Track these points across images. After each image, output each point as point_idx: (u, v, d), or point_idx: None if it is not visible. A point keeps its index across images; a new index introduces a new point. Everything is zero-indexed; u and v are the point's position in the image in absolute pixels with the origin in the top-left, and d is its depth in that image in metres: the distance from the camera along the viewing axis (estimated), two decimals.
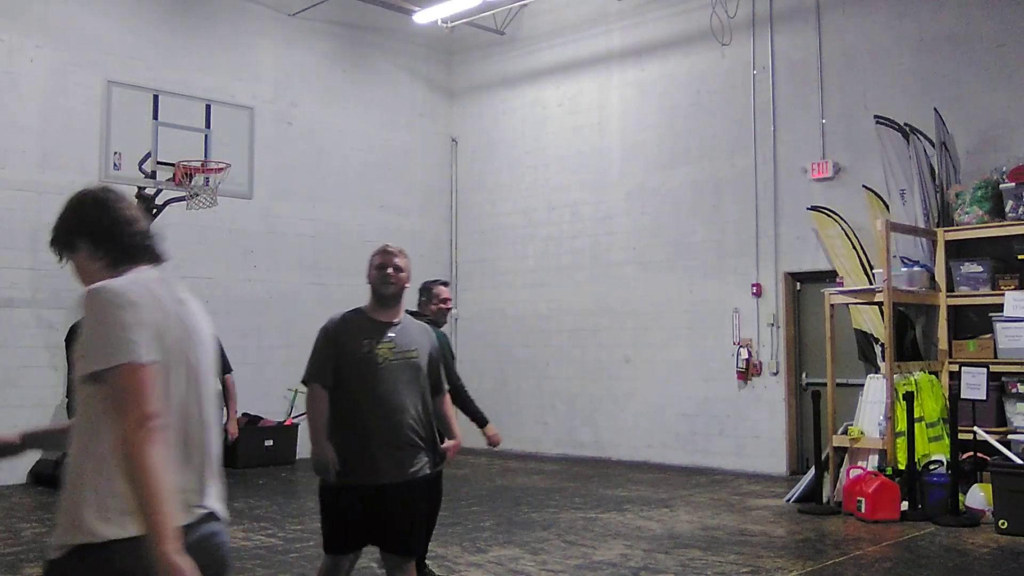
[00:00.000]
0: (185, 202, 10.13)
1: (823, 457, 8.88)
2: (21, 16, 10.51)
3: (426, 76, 14.37)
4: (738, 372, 11.15)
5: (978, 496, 7.92)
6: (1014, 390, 8.61)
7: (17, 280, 10.14)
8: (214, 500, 2.50)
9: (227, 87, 11.86)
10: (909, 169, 9.38)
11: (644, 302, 12.17)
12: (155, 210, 9.92)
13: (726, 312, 11.34)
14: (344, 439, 4.25)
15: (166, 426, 2.26)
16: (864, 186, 10.06)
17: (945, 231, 9.19)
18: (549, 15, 13.38)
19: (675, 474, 10.90)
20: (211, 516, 2.46)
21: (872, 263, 9.42)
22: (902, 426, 8.35)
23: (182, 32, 11.78)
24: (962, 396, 8.18)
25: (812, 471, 9.00)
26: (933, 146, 9.42)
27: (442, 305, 6.19)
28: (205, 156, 10.52)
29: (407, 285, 4.42)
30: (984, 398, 8.12)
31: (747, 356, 11.08)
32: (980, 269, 9.01)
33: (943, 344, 9.16)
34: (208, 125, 10.71)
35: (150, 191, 9.95)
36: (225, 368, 6.82)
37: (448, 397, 4.68)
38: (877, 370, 9.14)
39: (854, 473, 8.44)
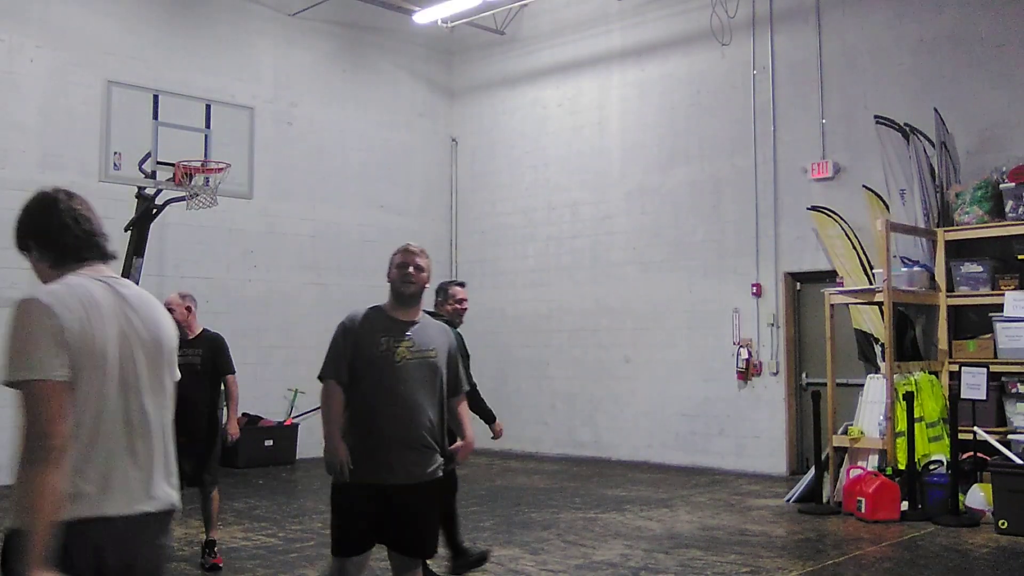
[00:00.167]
0: (185, 202, 10.12)
1: (823, 457, 8.88)
2: (21, 16, 10.51)
3: (426, 76, 14.37)
4: (738, 372, 11.15)
5: (978, 496, 7.92)
6: (1014, 390, 8.61)
7: (17, 280, 10.04)
8: (162, 497, 2.58)
9: (227, 87, 11.86)
10: (909, 169, 9.38)
11: (644, 302, 12.18)
12: (155, 210, 9.93)
13: (726, 312, 11.35)
14: (358, 438, 4.18)
15: (63, 447, 2.32)
16: (864, 186, 10.06)
17: (945, 231, 9.19)
18: (549, 15, 13.39)
19: (675, 474, 10.90)
20: (152, 515, 2.54)
21: (872, 263, 9.42)
22: (902, 426, 8.35)
23: (182, 32, 11.78)
24: (962, 396, 8.18)
25: (812, 471, 9.01)
26: (933, 146, 9.42)
27: (458, 305, 6.24)
28: (205, 156, 10.53)
29: (427, 285, 4.38)
30: (984, 398, 8.12)
31: (747, 356, 11.09)
32: (980, 269, 9.00)
33: (943, 344, 9.16)
34: (208, 125, 10.72)
35: (150, 191, 9.95)
36: (226, 368, 6.78)
37: (465, 398, 4.59)
38: (877, 370, 9.14)
39: (854, 473, 8.44)
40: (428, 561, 6.08)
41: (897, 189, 9.53)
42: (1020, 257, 8.89)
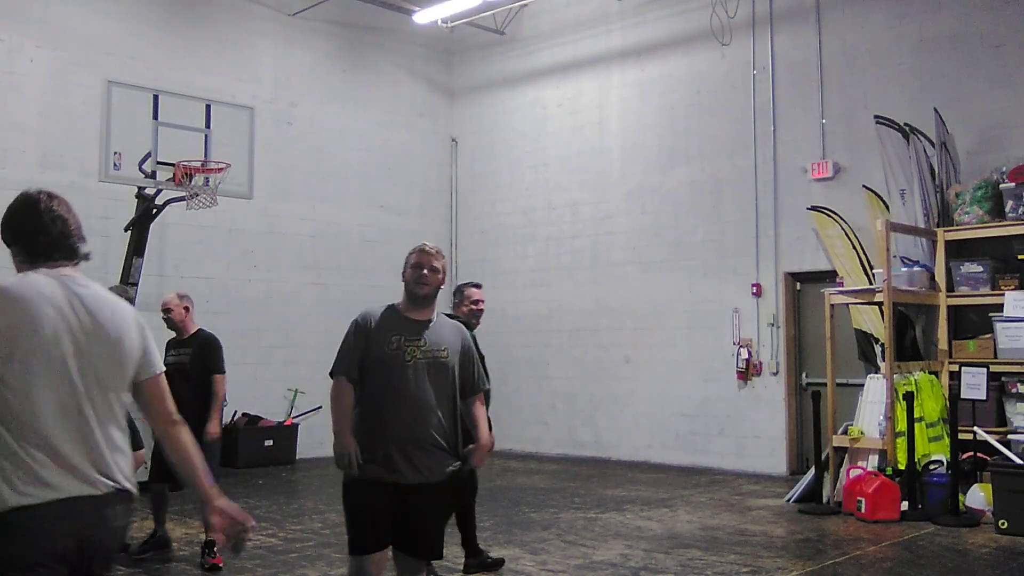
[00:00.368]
0: (185, 202, 10.12)
1: (823, 457, 8.88)
2: (21, 16, 10.50)
3: (426, 76, 14.37)
4: (738, 372, 11.15)
5: (978, 496, 7.92)
6: (1014, 390, 8.61)
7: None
8: (97, 480, 2.65)
9: (227, 87, 11.85)
10: (909, 169, 9.38)
11: (644, 302, 12.18)
12: (155, 210, 9.93)
13: (726, 312, 11.34)
14: (367, 436, 4.18)
15: None
16: (864, 186, 10.06)
17: (945, 231, 9.19)
18: (549, 15, 13.38)
19: (675, 474, 10.90)
20: (98, 498, 2.64)
21: (872, 263, 9.42)
22: (902, 426, 8.35)
23: (182, 32, 11.78)
24: (962, 396, 8.17)
25: (812, 471, 9.01)
26: (933, 146, 9.41)
27: (473, 307, 6.26)
28: (205, 156, 10.51)
29: (442, 286, 4.37)
30: (984, 398, 8.12)
31: (747, 356, 11.09)
32: (980, 269, 9.00)
33: (943, 344, 9.16)
34: (208, 125, 10.70)
35: (150, 191, 9.94)
36: (215, 367, 6.74)
37: (483, 397, 4.55)
38: (877, 370, 9.14)
39: (854, 473, 8.44)
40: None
41: (897, 189, 9.53)
42: (1020, 257, 8.89)
